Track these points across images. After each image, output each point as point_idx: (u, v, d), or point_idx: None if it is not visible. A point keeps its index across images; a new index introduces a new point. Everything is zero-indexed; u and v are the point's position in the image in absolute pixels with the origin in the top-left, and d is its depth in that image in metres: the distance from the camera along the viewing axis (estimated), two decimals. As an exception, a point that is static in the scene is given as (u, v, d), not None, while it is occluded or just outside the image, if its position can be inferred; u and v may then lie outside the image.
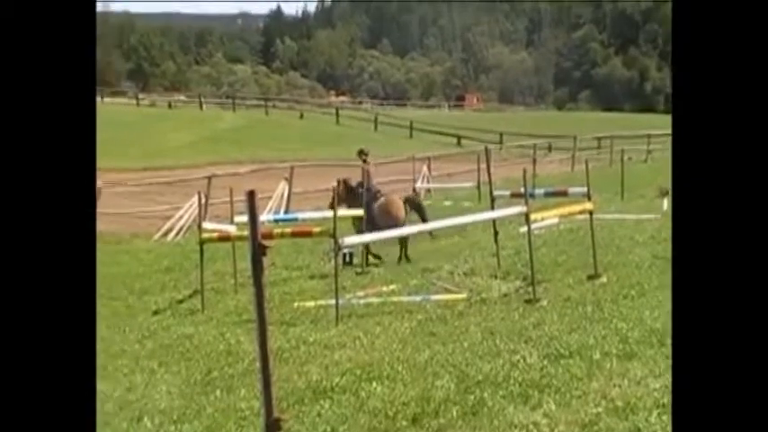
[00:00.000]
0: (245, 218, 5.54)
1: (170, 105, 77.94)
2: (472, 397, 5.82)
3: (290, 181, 23.25)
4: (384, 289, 10.94)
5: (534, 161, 28.52)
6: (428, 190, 27.40)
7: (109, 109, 71.78)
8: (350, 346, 7.84)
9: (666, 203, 17.65)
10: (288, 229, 12.29)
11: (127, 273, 14.44)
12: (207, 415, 6.17)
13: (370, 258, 13.84)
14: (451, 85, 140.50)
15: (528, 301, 9.25)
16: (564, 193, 12.64)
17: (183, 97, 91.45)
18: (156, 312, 10.86)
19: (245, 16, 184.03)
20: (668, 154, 27.48)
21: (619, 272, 10.47)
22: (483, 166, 19.48)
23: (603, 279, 10.12)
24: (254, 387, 6.23)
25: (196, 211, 15.11)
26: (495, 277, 11.14)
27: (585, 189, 11.18)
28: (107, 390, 7.16)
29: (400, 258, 13.91)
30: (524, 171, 10.34)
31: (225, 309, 10.64)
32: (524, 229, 10.49)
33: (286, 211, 20.87)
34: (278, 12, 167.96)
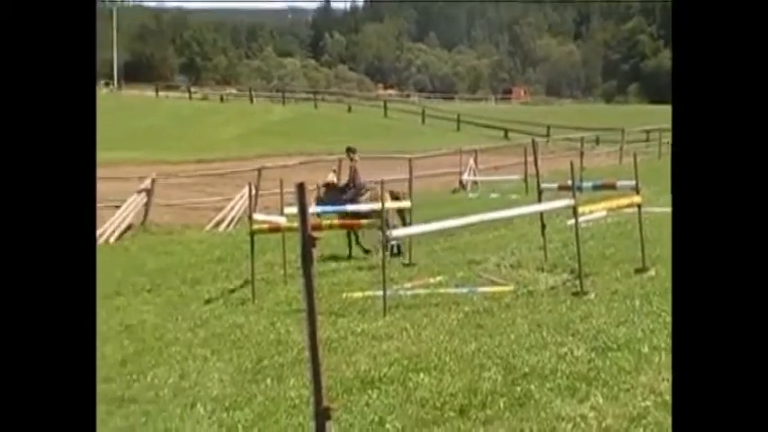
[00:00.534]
0: (294, 209, 5.57)
1: (221, 99, 78.68)
2: (519, 389, 5.79)
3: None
4: (431, 281, 10.91)
5: (582, 154, 28.34)
6: (475, 182, 27.33)
7: (163, 103, 73.00)
8: (397, 337, 7.84)
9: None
10: (336, 221, 12.36)
11: (179, 263, 14.63)
12: (257, 403, 6.23)
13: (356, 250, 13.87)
14: (498, 78, 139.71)
15: (575, 294, 9.17)
16: (612, 186, 12.46)
17: (234, 91, 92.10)
18: (207, 302, 10.96)
19: (294, 11, 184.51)
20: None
21: (667, 265, 10.29)
22: (530, 158, 19.30)
23: (652, 272, 9.99)
24: (303, 376, 6.28)
25: (246, 203, 15.25)
26: (542, 270, 11.05)
27: (634, 182, 11.02)
28: (162, 376, 7.28)
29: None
30: (572, 164, 10.23)
31: (275, 299, 10.70)
32: (572, 221, 10.39)
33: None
34: (327, 6, 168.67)
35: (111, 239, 19.03)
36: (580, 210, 10.00)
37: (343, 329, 8.28)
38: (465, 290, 9.99)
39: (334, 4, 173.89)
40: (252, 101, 76.58)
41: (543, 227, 11.77)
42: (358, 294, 10.26)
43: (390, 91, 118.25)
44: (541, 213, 11.75)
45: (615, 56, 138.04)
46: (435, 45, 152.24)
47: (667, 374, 5.79)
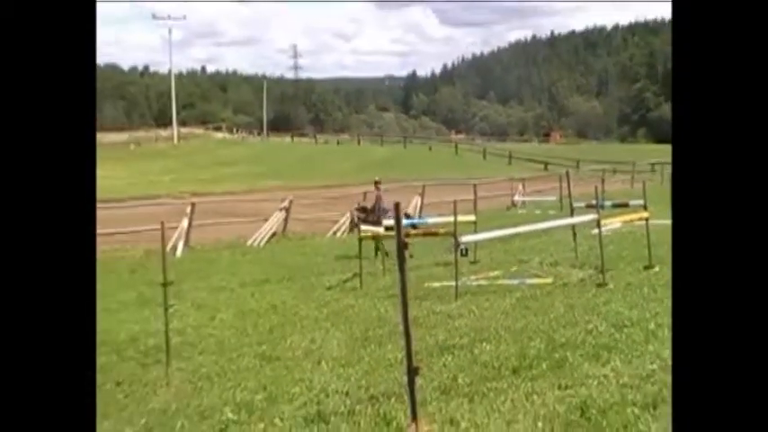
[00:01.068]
0: (390, 221, 5.63)
1: (338, 143, 79.49)
2: (557, 355, 5.69)
3: (422, 195, 23.41)
4: (491, 274, 10.80)
5: (603, 181, 27.53)
6: (523, 202, 27.03)
7: (296, 146, 74.24)
8: (466, 316, 7.78)
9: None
10: (420, 230, 12.35)
11: (309, 260, 14.80)
12: (365, 362, 6.26)
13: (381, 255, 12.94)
14: (540, 125, 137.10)
15: (599, 285, 8.96)
16: (626, 205, 12.27)
17: (347, 137, 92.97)
18: (328, 288, 11.03)
19: (390, 78, 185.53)
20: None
21: (668, 264, 9.98)
22: (564, 184, 18.88)
23: (656, 269, 9.72)
24: (398, 344, 6.28)
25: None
26: (574, 267, 10.87)
27: (643, 201, 10.86)
28: (297, 341, 7.37)
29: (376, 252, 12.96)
30: (596, 188, 10.13)
31: (376, 287, 10.73)
32: (596, 231, 10.17)
33: (419, 217, 20.91)
34: (413, 74, 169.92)
35: (261, 243, 19.36)
36: (602, 222, 9.81)
37: (426, 310, 8.26)
38: (516, 281, 9.86)
39: (419, 73, 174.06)
40: (359, 143, 77.22)
41: (574, 235, 11.60)
42: (437, 284, 10.22)
43: (460, 135, 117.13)
44: (573, 225, 11.58)
45: (627, 109, 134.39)
46: (493, 101, 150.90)
47: (669, 344, 5.61)
